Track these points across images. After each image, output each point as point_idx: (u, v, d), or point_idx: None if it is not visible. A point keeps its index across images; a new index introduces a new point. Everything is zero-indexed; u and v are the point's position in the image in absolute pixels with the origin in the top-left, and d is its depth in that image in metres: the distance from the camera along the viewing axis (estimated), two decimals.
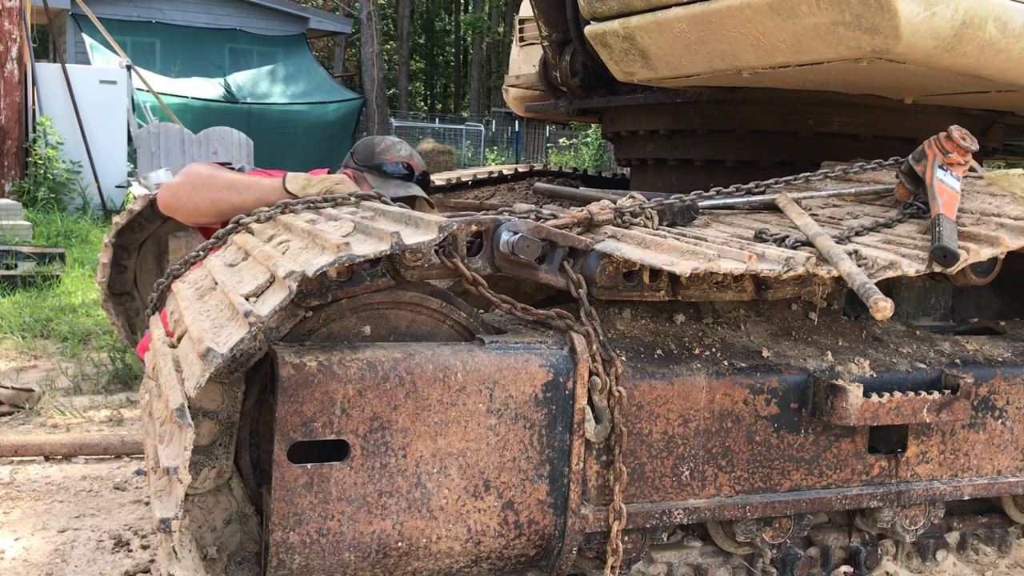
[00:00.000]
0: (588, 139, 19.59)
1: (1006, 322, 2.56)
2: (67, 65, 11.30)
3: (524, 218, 1.97)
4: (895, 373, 2.17)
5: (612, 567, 1.94)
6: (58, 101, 10.93)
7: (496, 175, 4.36)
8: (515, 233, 1.85)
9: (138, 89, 12.96)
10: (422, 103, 37.21)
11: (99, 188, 10.99)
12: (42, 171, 10.37)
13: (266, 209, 2.15)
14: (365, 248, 1.66)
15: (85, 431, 3.44)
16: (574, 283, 1.93)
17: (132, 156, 11.95)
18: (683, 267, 1.79)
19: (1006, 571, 2.48)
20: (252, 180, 2.67)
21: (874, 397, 2.04)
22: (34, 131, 10.57)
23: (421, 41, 36.02)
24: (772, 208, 2.43)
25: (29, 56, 10.67)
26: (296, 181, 2.62)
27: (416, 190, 2.95)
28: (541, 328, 1.98)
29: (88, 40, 14.76)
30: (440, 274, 1.85)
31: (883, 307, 1.76)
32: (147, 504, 2.78)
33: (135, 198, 3.79)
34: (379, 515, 1.76)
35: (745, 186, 2.45)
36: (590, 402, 1.89)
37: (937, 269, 1.98)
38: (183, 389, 1.56)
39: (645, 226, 2.14)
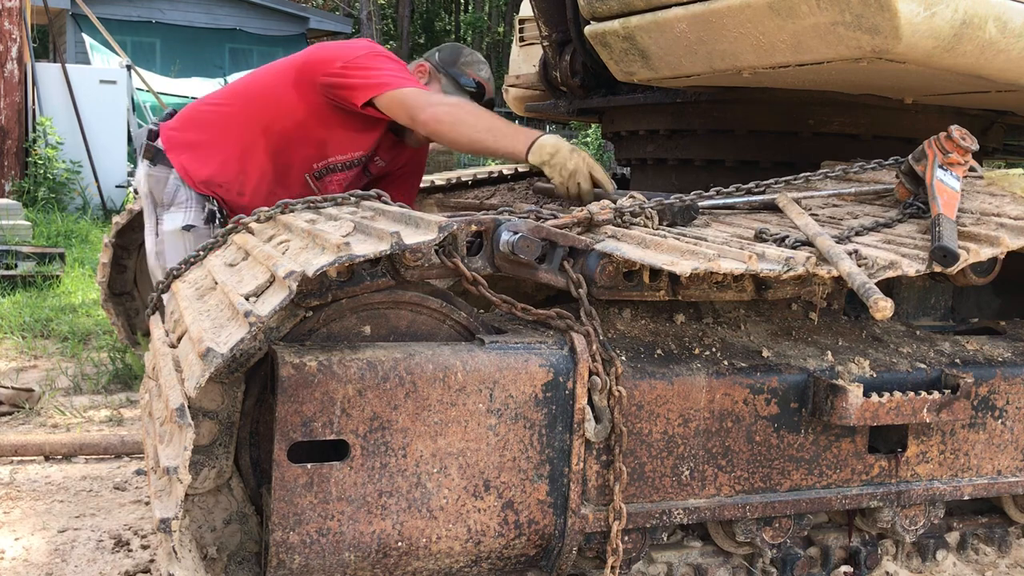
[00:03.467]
0: (588, 139, 19.56)
1: (1006, 322, 2.56)
2: (67, 65, 11.27)
3: (524, 218, 1.96)
4: (895, 373, 2.17)
5: (612, 567, 1.94)
6: (58, 101, 10.91)
7: (496, 175, 4.34)
8: (515, 233, 1.85)
9: (138, 89, 12.94)
10: None
11: (99, 188, 10.97)
12: (42, 171, 10.36)
13: (266, 209, 2.16)
14: (365, 248, 1.66)
15: (85, 431, 3.44)
16: (574, 283, 1.93)
17: (132, 156, 11.92)
18: (683, 267, 1.79)
19: (1006, 571, 2.48)
20: (509, 130, 2.71)
21: (874, 397, 2.04)
22: (34, 131, 10.55)
23: (421, 41, 35.95)
24: (772, 208, 2.43)
25: (29, 56, 10.66)
26: (540, 152, 2.61)
27: None
28: (541, 328, 1.98)
29: (88, 40, 14.73)
30: (440, 274, 1.85)
31: (883, 307, 1.76)
32: (147, 504, 2.78)
33: (135, 198, 3.79)
34: (379, 515, 1.76)
35: (745, 186, 2.44)
36: (590, 402, 1.89)
37: (937, 269, 1.98)
38: (183, 389, 1.56)
39: (645, 226, 2.14)
